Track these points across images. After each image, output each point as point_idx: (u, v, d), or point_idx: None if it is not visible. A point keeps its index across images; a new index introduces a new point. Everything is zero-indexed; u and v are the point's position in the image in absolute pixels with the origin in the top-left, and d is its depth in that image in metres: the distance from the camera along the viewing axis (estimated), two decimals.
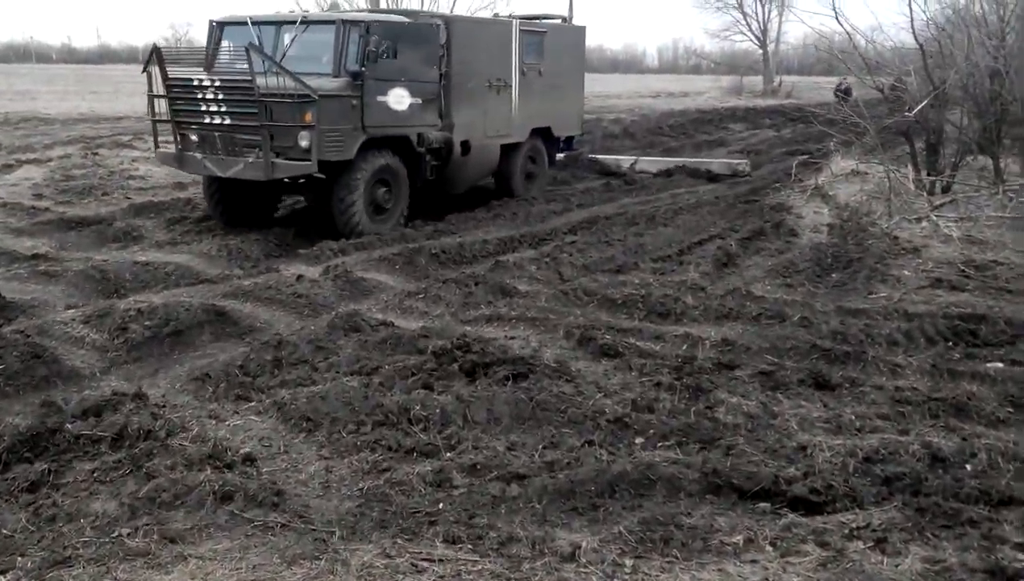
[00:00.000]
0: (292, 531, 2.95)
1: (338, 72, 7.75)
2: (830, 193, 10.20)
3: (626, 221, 9.01)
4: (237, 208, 8.46)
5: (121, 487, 3.16)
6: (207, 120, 7.76)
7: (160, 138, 8.68)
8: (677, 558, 2.81)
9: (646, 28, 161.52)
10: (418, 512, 3.07)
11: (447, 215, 9.01)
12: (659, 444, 3.60)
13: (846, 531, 2.94)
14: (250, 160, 7.51)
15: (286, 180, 7.96)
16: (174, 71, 7.98)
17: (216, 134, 7.75)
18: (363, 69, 7.75)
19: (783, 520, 3.04)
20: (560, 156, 11.80)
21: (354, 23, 7.86)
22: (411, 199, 8.59)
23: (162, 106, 8.12)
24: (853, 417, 3.88)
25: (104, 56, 73.66)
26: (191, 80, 7.85)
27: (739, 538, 2.91)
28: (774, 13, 46.20)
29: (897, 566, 2.74)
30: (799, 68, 61.36)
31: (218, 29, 8.53)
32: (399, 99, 8.23)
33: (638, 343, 4.87)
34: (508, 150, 10.11)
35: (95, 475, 3.27)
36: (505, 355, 4.47)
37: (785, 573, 2.73)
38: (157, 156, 8.76)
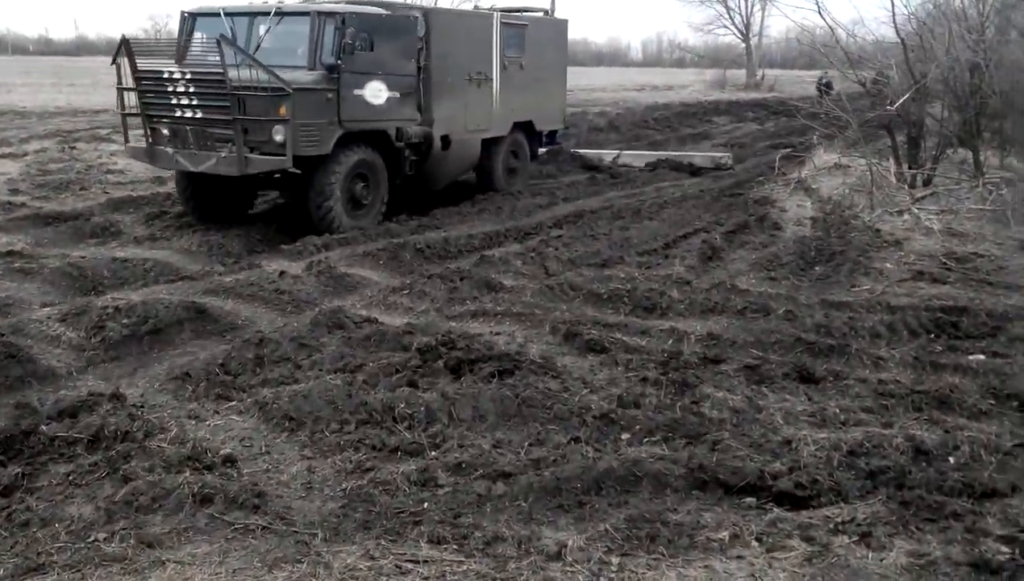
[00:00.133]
0: (273, 533, 2.90)
1: (313, 65, 7.62)
2: (813, 186, 10.26)
3: (611, 215, 9.00)
4: (211, 204, 8.31)
5: (97, 490, 3.10)
6: (178, 113, 7.58)
7: (132, 132, 8.50)
8: (663, 555, 2.80)
9: (630, 21, 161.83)
10: (402, 512, 3.03)
11: (432, 210, 8.95)
12: (645, 440, 3.59)
13: (831, 525, 2.95)
14: (223, 155, 7.35)
15: (261, 175, 7.83)
16: (145, 63, 7.76)
17: (188, 128, 7.56)
18: (339, 62, 7.62)
19: (769, 515, 3.05)
20: (542, 150, 11.75)
21: (329, 15, 7.72)
22: (390, 195, 8.49)
23: (132, 99, 7.94)
24: (837, 410, 3.89)
25: (82, 48, 72.48)
26: (161, 72, 7.65)
27: (725, 534, 2.91)
28: (757, 7, 46.56)
29: (882, 560, 2.75)
30: (782, 62, 61.72)
31: (190, 20, 8.35)
32: (376, 93, 8.10)
33: (624, 338, 4.85)
34: (489, 145, 10.03)
35: (71, 478, 3.20)
36: (490, 351, 4.44)
37: (771, 569, 2.74)
38: (127, 151, 8.58)
